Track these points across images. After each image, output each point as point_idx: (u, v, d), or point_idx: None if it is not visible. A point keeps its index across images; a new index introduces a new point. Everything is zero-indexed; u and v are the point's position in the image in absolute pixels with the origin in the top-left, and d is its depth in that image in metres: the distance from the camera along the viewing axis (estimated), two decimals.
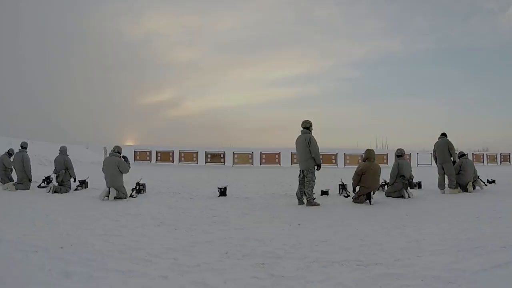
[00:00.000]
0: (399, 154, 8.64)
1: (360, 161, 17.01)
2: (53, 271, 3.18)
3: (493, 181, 10.66)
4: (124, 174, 8.03)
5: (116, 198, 7.65)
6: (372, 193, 7.32)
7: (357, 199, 7.35)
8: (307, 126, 7.40)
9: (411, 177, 8.40)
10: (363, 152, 7.88)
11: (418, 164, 22.88)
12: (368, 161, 7.52)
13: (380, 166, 7.82)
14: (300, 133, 7.44)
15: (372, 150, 7.68)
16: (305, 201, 7.22)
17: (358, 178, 7.43)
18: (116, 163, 7.91)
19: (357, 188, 7.52)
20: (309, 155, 7.19)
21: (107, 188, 7.74)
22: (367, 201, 7.22)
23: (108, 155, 8.33)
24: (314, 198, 7.20)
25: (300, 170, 7.39)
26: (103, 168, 7.98)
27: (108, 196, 7.64)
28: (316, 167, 7.23)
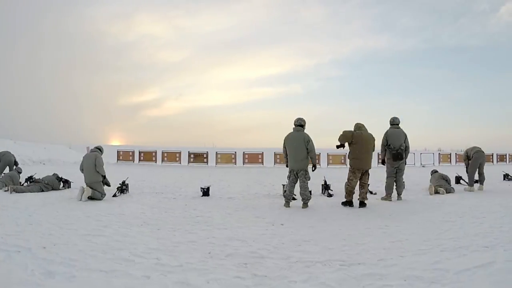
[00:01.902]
0: (393, 123, 8.00)
1: (346, 160, 17.09)
2: (36, 271, 3.15)
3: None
4: (103, 170, 7.75)
5: (90, 198, 7.29)
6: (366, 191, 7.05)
7: (349, 197, 6.99)
8: (302, 124, 6.91)
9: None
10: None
11: None
12: (359, 130, 7.07)
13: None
14: (293, 131, 6.91)
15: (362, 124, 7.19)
16: (290, 203, 6.90)
17: (344, 141, 7.01)
18: (94, 158, 7.66)
19: (350, 163, 7.08)
20: (305, 155, 6.74)
21: (82, 187, 7.40)
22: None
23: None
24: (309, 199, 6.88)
25: (291, 171, 6.88)
26: (82, 164, 7.76)
27: (82, 196, 7.22)
28: (312, 168, 6.88)
